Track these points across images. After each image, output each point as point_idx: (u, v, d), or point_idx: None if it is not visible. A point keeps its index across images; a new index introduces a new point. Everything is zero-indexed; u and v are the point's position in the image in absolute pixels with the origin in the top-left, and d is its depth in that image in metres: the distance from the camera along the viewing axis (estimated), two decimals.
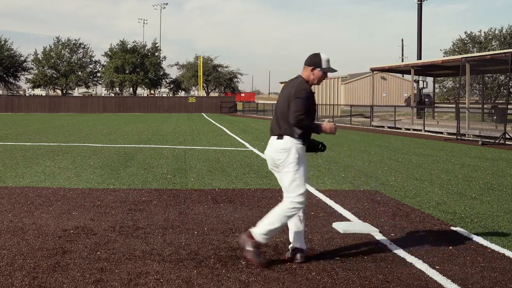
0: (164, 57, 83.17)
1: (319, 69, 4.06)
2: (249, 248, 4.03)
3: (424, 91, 36.18)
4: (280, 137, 4.04)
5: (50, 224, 5.28)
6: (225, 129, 23.20)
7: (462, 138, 18.06)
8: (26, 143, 14.50)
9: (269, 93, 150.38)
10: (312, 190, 7.36)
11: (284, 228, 4.16)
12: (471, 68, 21.64)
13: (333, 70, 4.12)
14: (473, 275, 3.89)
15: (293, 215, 4.01)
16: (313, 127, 4.02)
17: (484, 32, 45.55)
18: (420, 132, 22.68)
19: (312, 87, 4.16)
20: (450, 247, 4.59)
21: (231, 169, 9.40)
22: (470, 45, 45.29)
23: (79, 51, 64.88)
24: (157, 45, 67.13)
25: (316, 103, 4.41)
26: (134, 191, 7.20)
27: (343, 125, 28.30)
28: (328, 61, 4.07)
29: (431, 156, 12.06)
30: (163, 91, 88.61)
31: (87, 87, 71.90)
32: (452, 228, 5.28)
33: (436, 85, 38.28)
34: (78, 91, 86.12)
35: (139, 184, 7.74)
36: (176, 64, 71.96)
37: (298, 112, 3.89)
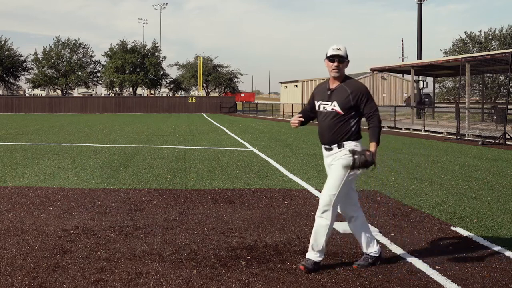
0: (164, 57, 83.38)
1: (325, 58, 3.99)
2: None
3: (424, 91, 36.15)
4: None
5: (50, 224, 5.28)
6: (225, 129, 23.19)
7: (462, 138, 18.06)
8: (26, 143, 14.50)
9: (269, 93, 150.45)
10: (312, 190, 7.37)
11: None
12: (471, 68, 21.63)
13: (331, 54, 3.92)
14: (473, 275, 3.88)
15: None
16: None
17: (484, 32, 45.62)
18: (420, 132, 22.68)
19: (330, 83, 4.02)
20: (450, 247, 4.59)
21: (231, 169, 9.40)
22: (470, 45, 45.31)
23: (79, 51, 64.95)
24: (157, 45, 67.17)
25: (314, 100, 4.14)
26: (134, 191, 7.20)
27: None
28: (332, 48, 3.93)
29: (431, 156, 12.06)
30: (163, 91, 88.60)
31: (87, 87, 71.93)
32: (452, 228, 5.28)
33: (436, 85, 38.28)
34: (78, 91, 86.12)
35: (139, 184, 7.74)
36: (176, 64, 72.04)
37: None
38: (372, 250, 4.09)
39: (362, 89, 3.95)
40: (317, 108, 4.09)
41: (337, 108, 3.91)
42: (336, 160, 3.96)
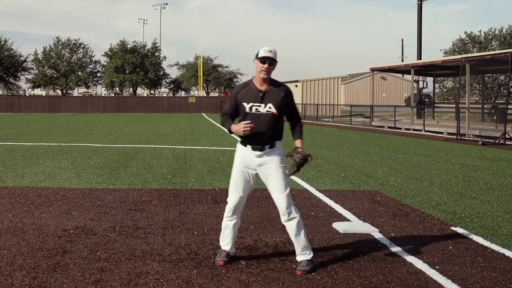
0: (164, 57, 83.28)
1: (256, 59, 4.01)
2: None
3: (424, 91, 36.16)
4: None
5: (50, 224, 5.29)
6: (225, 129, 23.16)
7: (462, 138, 18.06)
8: (26, 143, 14.50)
9: None
10: (312, 190, 7.37)
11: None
12: (471, 68, 21.64)
13: (263, 55, 3.91)
14: (473, 275, 3.89)
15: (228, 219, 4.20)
16: (225, 125, 4.20)
17: (484, 32, 45.66)
18: (420, 132, 22.68)
19: (260, 84, 4.01)
20: (450, 247, 4.59)
21: (231, 169, 9.38)
22: (470, 45, 45.34)
23: (79, 51, 64.90)
24: (157, 45, 67.14)
25: (242, 102, 4.03)
26: (134, 191, 7.20)
27: (343, 125, 28.30)
28: (264, 50, 3.95)
29: (431, 156, 12.06)
30: (163, 91, 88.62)
31: (87, 87, 71.90)
32: (452, 228, 5.29)
33: (436, 85, 38.30)
34: (78, 91, 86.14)
35: (139, 184, 7.74)
36: (176, 64, 71.99)
37: (223, 109, 4.25)
38: (229, 247, 4.22)
39: (290, 91, 4.12)
40: (247, 110, 4.01)
41: (273, 110, 3.98)
42: (271, 160, 4.02)
